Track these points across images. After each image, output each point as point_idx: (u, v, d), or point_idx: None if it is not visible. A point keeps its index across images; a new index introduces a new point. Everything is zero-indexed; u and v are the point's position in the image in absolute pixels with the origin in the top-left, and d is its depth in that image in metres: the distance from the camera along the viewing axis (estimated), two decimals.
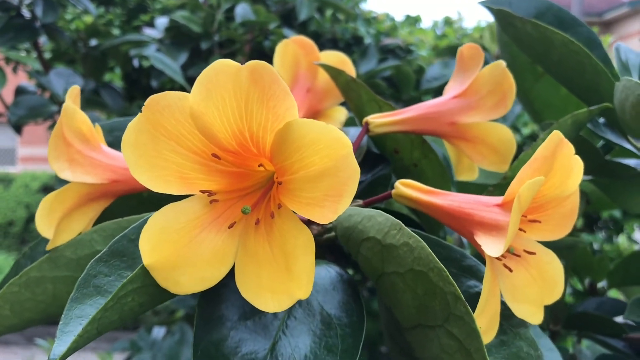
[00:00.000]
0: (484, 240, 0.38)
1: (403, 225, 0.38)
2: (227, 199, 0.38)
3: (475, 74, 0.52)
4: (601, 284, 0.95)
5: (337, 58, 0.63)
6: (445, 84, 1.47)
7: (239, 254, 0.37)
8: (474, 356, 0.34)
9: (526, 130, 1.74)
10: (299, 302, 0.41)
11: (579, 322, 0.78)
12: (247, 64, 0.33)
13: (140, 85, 1.78)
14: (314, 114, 0.63)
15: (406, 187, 0.45)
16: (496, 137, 0.53)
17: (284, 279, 0.35)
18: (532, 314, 0.41)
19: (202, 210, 0.37)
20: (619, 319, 0.79)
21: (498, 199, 0.41)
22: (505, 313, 0.41)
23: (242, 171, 0.38)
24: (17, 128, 1.46)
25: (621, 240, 1.90)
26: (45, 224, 0.45)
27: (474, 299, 0.44)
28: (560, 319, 0.82)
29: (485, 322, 0.37)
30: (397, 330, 0.54)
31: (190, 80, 1.65)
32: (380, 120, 0.53)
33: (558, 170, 0.39)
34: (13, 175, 6.76)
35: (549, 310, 0.80)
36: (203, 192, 0.37)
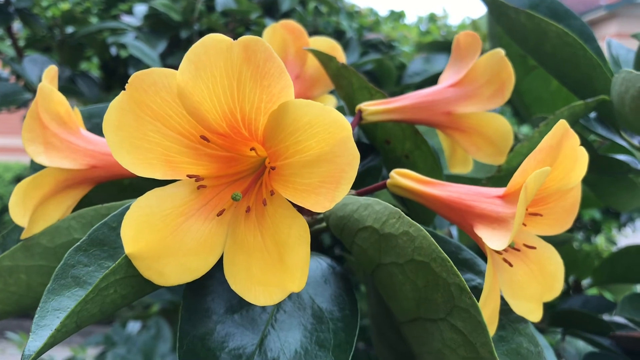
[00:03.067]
0: (485, 234, 0.36)
1: (402, 213, 0.36)
2: (216, 185, 0.36)
3: (472, 62, 0.51)
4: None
5: (327, 44, 0.60)
6: (427, 79, 1.46)
7: (228, 243, 0.34)
8: (480, 351, 0.32)
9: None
10: (289, 295, 0.39)
11: (564, 319, 0.77)
12: (240, 39, 0.31)
13: (118, 75, 1.74)
14: None
15: (402, 177, 0.43)
16: (493, 128, 0.51)
17: (276, 270, 0.33)
18: (531, 311, 0.39)
19: (189, 197, 0.35)
20: (605, 317, 0.79)
21: (499, 191, 0.39)
22: (504, 308, 0.40)
23: (232, 155, 0.36)
24: None
25: (600, 240, 1.91)
26: (19, 211, 0.42)
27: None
28: (545, 316, 0.81)
29: (486, 316, 0.35)
30: (388, 324, 0.52)
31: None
32: (374, 107, 0.51)
33: (563, 162, 0.37)
34: None
35: None
36: (190, 176, 0.35)
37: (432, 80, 1.47)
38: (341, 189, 0.30)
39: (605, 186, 0.76)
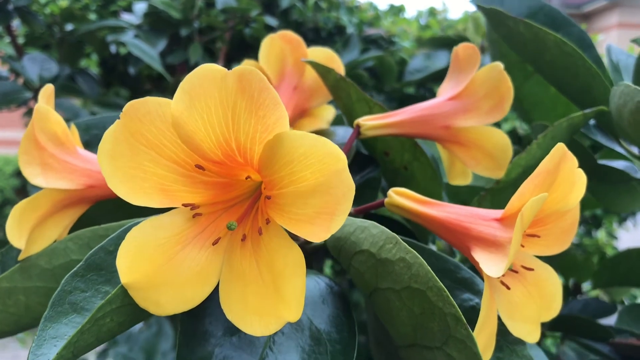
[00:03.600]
0: (482, 258, 0.36)
1: (399, 239, 0.36)
2: (211, 212, 0.36)
3: (471, 75, 0.50)
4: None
5: (325, 55, 0.60)
6: (428, 76, 1.46)
7: (224, 272, 0.34)
8: None
9: (506, 126, 1.73)
10: None
11: (564, 324, 0.77)
12: (234, 69, 0.31)
13: (117, 72, 1.74)
14: (301, 112, 0.61)
15: (400, 197, 0.43)
16: (492, 142, 0.51)
17: (272, 300, 0.33)
18: (529, 332, 0.39)
19: (184, 225, 0.35)
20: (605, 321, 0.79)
21: (497, 213, 0.39)
22: (501, 329, 0.40)
23: (227, 181, 0.36)
24: None
25: (600, 235, 1.91)
26: (16, 234, 0.42)
27: (468, 312, 0.42)
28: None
29: (483, 341, 0.35)
30: (386, 337, 0.52)
31: (169, 68, 1.61)
32: (371, 122, 0.51)
33: (560, 185, 0.37)
34: None
35: None
36: (186, 205, 0.34)
37: (433, 77, 1.47)
38: (337, 219, 0.30)
39: (605, 190, 0.76)
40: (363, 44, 1.65)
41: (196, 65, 1.56)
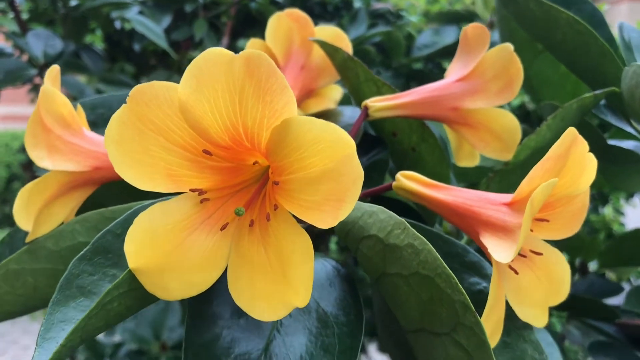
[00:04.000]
0: (491, 243, 0.36)
1: (407, 224, 0.36)
2: (219, 197, 0.35)
3: (480, 56, 0.50)
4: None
5: (333, 33, 0.59)
6: (436, 52, 1.44)
7: (232, 257, 0.34)
8: None
9: (515, 101, 1.72)
10: None
11: (570, 304, 0.77)
12: (241, 53, 0.30)
13: (123, 47, 1.73)
14: (308, 92, 0.60)
15: (408, 180, 0.43)
16: (500, 124, 0.51)
17: (280, 286, 0.33)
18: (537, 317, 0.39)
19: (192, 210, 0.34)
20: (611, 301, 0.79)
21: (506, 197, 0.38)
22: (509, 313, 0.40)
23: (235, 165, 0.35)
24: None
25: (607, 211, 1.90)
26: (23, 216, 0.42)
27: (476, 296, 0.42)
28: None
29: (491, 326, 0.35)
30: (394, 322, 0.52)
31: (174, 44, 1.60)
32: (380, 104, 0.50)
33: (570, 169, 0.37)
34: None
35: None
36: (193, 190, 0.34)
37: (442, 52, 1.45)
38: (345, 207, 0.30)
39: (615, 171, 0.76)
40: (370, 19, 1.63)
41: (201, 41, 1.55)
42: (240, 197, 0.36)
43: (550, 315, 0.83)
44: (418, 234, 0.34)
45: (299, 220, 0.34)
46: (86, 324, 0.33)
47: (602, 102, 0.63)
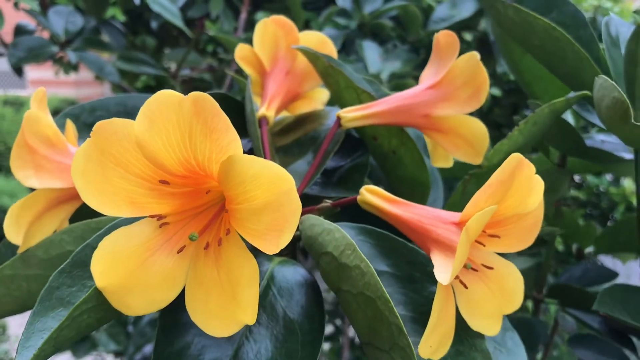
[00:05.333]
0: (437, 261, 0.38)
1: (356, 247, 0.38)
2: (179, 220, 0.38)
3: (450, 63, 0.51)
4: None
5: (317, 39, 0.61)
6: (452, 25, 1.43)
7: (190, 277, 0.37)
8: None
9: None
10: (263, 307, 0.41)
11: (560, 293, 0.79)
12: (189, 95, 0.33)
13: (144, 20, 1.75)
14: (295, 96, 0.62)
15: (371, 195, 0.45)
16: (469, 130, 0.52)
17: (231, 305, 0.36)
18: (489, 327, 0.41)
19: (152, 234, 0.37)
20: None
21: (456, 216, 0.40)
22: (464, 323, 0.42)
23: (193, 190, 0.38)
24: (18, 70, 1.46)
25: (627, 184, 1.89)
26: (13, 231, 0.46)
27: None
28: (544, 287, 0.83)
29: (437, 340, 0.37)
30: None
31: (190, 22, 1.61)
32: (352, 114, 0.52)
33: (516, 192, 0.38)
34: (23, 98, 6.78)
35: (533, 278, 0.82)
36: (152, 216, 0.37)
37: (458, 26, 1.44)
38: (285, 236, 0.33)
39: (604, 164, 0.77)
40: None
41: (217, 18, 1.56)
42: (199, 220, 0.39)
43: (544, 302, 0.85)
44: (363, 257, 0.37)
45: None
46: (58, 335, 0.36)
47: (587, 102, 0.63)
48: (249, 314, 0.35)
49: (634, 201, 1.79)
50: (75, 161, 0.35)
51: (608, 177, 1.84)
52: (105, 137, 0.34)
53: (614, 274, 0.83)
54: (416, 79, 1.42)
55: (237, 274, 0.36)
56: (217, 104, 0.32)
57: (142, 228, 0.37)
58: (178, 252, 0.37)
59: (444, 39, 0.52)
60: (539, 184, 0.39)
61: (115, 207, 0.36)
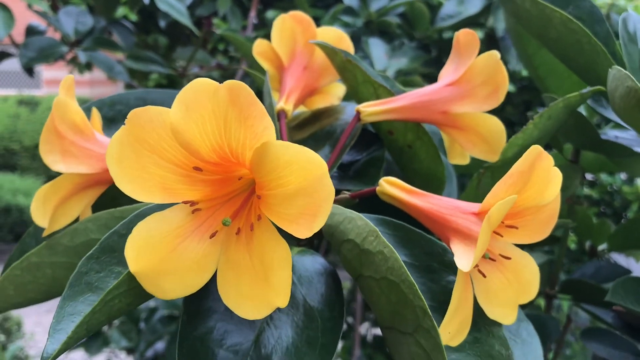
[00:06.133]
0: (457, 250, 0.39)
1: (379, 233, 0.39)
2: (210, 207, 0.39)
3: (469, 61, 0.52)
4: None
5: (334, 34, 0.62)
6: (460, 22, 1.43)
7: (221, 261, 0.38)
8: None
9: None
10: None
11: (573, 289, 0.80)
12: (225, 83, 0.34)
13: (156, 19, 1.76)
14: (312, 91, 0.63)
15: (390, 186, 0.46)
16: (487, 128, 0.53)
17: (263, 288, 0.37)
18: (506, 315, 0.42)
19: (184, 220, 0.38)
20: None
21: (475, 207, 0.41)
22: (482, 312, 0.43)
23: (224, 178, 0.39)
24: (29, 70, 1.47)
25: None
26: (40, 214, 0.47)
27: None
28: (556, 284, 0.83)
29: (455, 327, 0.38)
30: None
31: (198, 20, 1.62)
32: (371, 109, 0.54)
33: (535, 183, 0.39)
34: (38, 98, 6.81)
35: (546, 274, 0.82)
36: (186, 202, 0.38)
37: (465, 23, 1.45)
38: (318, 221, 0.34)
39: (618, 160, 0.77)
40: None
41: (225, 17, 1.57)
42: (229, 206, 0.40)
43: (557, 298, 0.85)
44: (387, 242, 0.38)
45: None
46: (90, 319, 0.37)
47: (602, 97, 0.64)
48: (281, 296, 0.36)
49: None
50: (110, 148, 0.36)
51: (622, 176, 1.85)
52: (140, 124, 0.36)
53: (627, 272, 0.83)
54: (423, 76, 1.44)
55: (270, 257, 0.37)
56: (252, 92, 0.34)
57: (175, 214, 0.38)
58: (210, 237, 0.38)
59: (464, 37, 0.53)
60: (557, 176, 0.40)
61: (148, 193, 0.37)
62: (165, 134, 0.36)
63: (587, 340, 0.69)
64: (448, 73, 0.55)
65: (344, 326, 1.73)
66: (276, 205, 0.36)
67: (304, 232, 0.35)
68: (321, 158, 0.34)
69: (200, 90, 0.34)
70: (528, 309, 0.83)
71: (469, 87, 0.52)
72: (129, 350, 1.55)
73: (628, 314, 0.70)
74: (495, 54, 0.51)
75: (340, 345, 1.68)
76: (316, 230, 0.34)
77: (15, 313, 3.03)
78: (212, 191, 0.39)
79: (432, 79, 1.08)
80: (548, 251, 0.84)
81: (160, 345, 1.44)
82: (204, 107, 0.34)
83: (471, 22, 1.49)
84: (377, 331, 1.58)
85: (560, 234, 0.79)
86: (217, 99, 0.34)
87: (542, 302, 0.90)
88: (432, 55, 1.58)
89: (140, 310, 1.59)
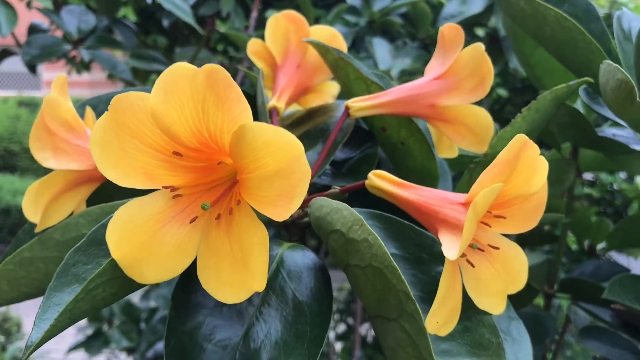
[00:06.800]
0: (445, 240, 0.39)
1: (364, 221, 0.39)
2: (191, 193, 0.40)
3: (455, 55, 0.52)
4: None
5: (327, 33, 0.62)
6: (462, 21, 1.43)
7: (201, 247, 0.38)
8: (422, 352, 0.35)
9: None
10: (273, 289, 0.42)
11: (572, 287, 0.79)
12: (202, 67, 0.34)
13: (155, 19, 1.77)
14: (305, 89, 0.63)
15: (379, 179, 0.46)
16: (474, 119, 0.53)
17: (242, 273, 0.37)
18: (495, 305, 0.42)
19: (165, 205, 0.39)
20: None
21: (462, 197, 0.41)
22: (471, 300, 0.43)
23: (205, 165, 0.39)
24: (31, 67, 1.48)
25: None
26: (31, 210, 0.47)
27: None
28: (554, 283, 0.83)
29: (443, 317, 0.38)
30: None
31: (201, 20, 1.63)
32: (360, 104, 0.54)
33: (521, 172, 0.39)
34: (38, 99, 6.86)
35: (545, 274, 0.82)
36: (166, 187, 0.38)
37: (468, 22, 1.45)
38: (295, 201, 0.34)
39: (616, 157, 0.77)
40: None
41: (228, 16, 1.57)
42: (211, 194, 0.40)
43: (556, 297, 0.85)
44: (371, 230, 0.38)
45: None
46: (73, 307, 0.37)
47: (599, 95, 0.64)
48: (258, 281, 0.37)
49: None
50: (93, 133, 0.36)
51: (622, 174, 1.83)
52: (121, 109, 0.36)
53: (626, 270, 0.82)
54: None
55: (248, 242, 0.37)
56: (229, 76, 0.34)
57: (156, 199, 0.39)
58: (190, 222, 0.38)
59: (449, 31, 0.53)
60: (543, 165, 0.40)
61: (130, 178, 0.37)
62: (146, 118, 0.36)
63: (585, 339, 0.69)
64: (434, 67, 0.55)
65: (344, 327, 1.72)
66: (255, 189, 0.36)
67: (281, 213, 0.35)
68: (297, 139, 0.34)
69: (178, 75, 0.34)
70: (527, 308, 0.82)
71: (455, 80, 0.53)
72: (130, 350, 1.55)
73: (626, 313, 0.69)
74: (479, 46, 0.51)
75: (340, 346, 1.67)
76: (293, 211, 0.34)
77: (14, 314, 3.04)
78: (193, 178, 0.39)
79: None
80: (549, 251, 0.83)
81: (160, 346, 1.44)
82: (183, 91, 0.34)
83: (473, 22, 1.49)
84: None
85: (559, 232, 0.79)
86: (195, 83, 0.34)
87: (541, 301, 0.89)
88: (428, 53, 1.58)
89: (140, 310, 1.59)
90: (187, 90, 0.34)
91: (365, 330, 1.56)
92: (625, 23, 0.66)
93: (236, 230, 0.38)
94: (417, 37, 1.55)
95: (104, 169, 0.37)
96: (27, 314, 3.36)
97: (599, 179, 1.85)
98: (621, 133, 0.69)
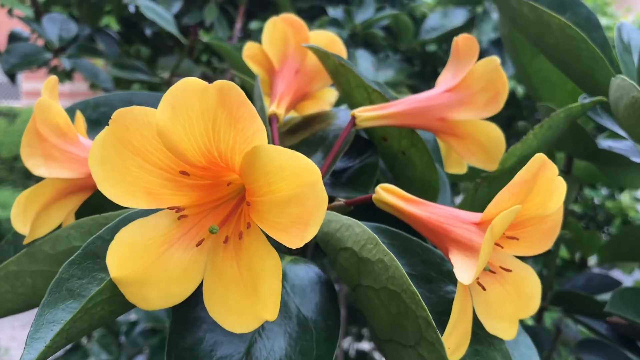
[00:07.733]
0: (457, 261, 0.37)
1: (379, 240, 0.37)
2: (197, 213, 0.37)
3: (469, 67, 0.50)
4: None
5: (327, 38, 0.60)
6: (444, 34, 1.43)
7: (207, 271, 0.36)
8: None
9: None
10: None
11: (564, 300, 0.79)
12: (214, 83, 0.32)
13: (139, 29, 1.74)
14: (303, 95, 0.62)
15: (387, 193, 0.44)
16: (486, 136, 0.52)
17: (251, 300, 0.35)
18: (505, 330, 0.41)
19: (170, 226, 0.36)
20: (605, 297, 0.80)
21: (476, 216, 0.40)
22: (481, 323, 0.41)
23: (212, 183, 0.37)
24: (11, 76, 1.44)
25: (623, 197, 1.90)
26: (20, 221, 0.44)
27: (451, 304, 0.44)
28: (547, 296, 0.82)
29: (456, 340, 0.37)
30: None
31: (185, 29, 1.61)
32: (367, 114, 0.52)
33: (539, 193, 0.38)
34: (17, 109, 6.75)
35: None
36: (171, 208, 0.36)
37: (450, 35, 1.45)
38: (310, 230, 0.32)
39: (611, 170, 0.76)
40: (378, 2, 1.63)
41: (212, 26, 1.55)
42: (217, 213, 0.38)
43: (547, 310, 0.84)
44: (387, 250, 0.36)
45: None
46: (71, 327, 0.35)
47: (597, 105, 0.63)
48: (270, 309, 0.34)
49: (631, 214, 1.80)
50: (92, 149, 0.34)
51: (603, 191, 1.85)
52: (124, 125, 0.34)
53: (618, 283, 0.82)
54: (410, 88, 1.43)
55: (259, 268, 0.35)
56: (243, 93, 0.32)
57: (160, 220, 0.36)
58: (197, 245, 0.36)
59: (463, 42, 0.51)
60: (561, 186, 0.39)
61: (132, 198, 0.35)
62: (151, 135, 0.34)
63: (582, 352, 0.68)
64: (446, 79, 0.53)
65: None
66: (266, 213, 0.34)
67: (295, 241, 0.33)
68: (314, 164, 0.32)
69: (188, 90, 0.32)
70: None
71: (468, 94, 0.51)
72: None
73: (622, 326, 0.69)
74: (495, 59, 0.50)
75: None
76: (308, 239, 0.32)
77: None
78: (199, 197, 0.37)
79: (417, 91, 1.09)
80: (536, 261, 0.82)
81: (140, 359, 1.40)
82: (192, 108, 0.32)
83: (455, 34, 1.49)
84: (360, 346, 1.56)
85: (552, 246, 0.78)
86: (206, 100, 0.32)
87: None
88: (416, 69, 1.58)
89: (120, 323, 1.56)
90: (197, 107, 0.32)
91: (348, 343, 1.55)
92: (624, 34, 0.65)
93: (246, 255, 0.35)
94: (399, 49, 1.54)
95: (103, 187, 0.35)
96: (2, 329, 3.28)
97: (582, 194, 1.86)
98: (618, 145, 0.69)
